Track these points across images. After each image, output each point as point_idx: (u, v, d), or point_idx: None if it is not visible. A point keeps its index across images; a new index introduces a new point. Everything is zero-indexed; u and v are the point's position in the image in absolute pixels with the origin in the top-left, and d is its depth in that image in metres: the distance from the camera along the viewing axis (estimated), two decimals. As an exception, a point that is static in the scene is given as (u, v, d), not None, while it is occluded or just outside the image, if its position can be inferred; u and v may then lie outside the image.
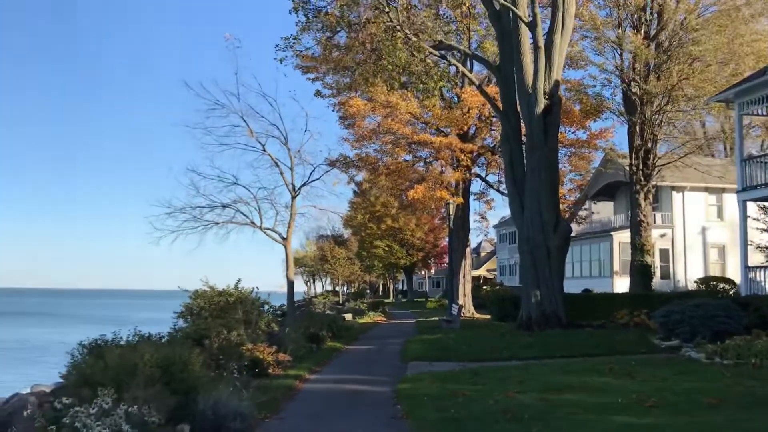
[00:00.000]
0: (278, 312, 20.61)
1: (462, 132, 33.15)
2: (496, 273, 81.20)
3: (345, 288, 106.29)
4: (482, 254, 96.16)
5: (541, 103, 20.40)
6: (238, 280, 19.25)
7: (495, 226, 76.85)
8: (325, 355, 17.23)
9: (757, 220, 26.54)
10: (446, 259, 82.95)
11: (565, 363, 13.56)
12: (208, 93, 31.70)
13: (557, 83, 21.13)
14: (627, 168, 34.58)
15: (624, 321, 21.04)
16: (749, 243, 21.97)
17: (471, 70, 34.13)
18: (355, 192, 73.53)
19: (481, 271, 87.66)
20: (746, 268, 21.41)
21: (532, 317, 20.01)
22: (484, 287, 61.84)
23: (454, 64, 26.16)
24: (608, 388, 10.11)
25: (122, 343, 11.12)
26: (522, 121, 21.66)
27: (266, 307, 20.01)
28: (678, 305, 17.40)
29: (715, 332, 16.35)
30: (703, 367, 12.14)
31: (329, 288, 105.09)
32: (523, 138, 22.52)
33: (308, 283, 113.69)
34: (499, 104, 22.91)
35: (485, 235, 75.65)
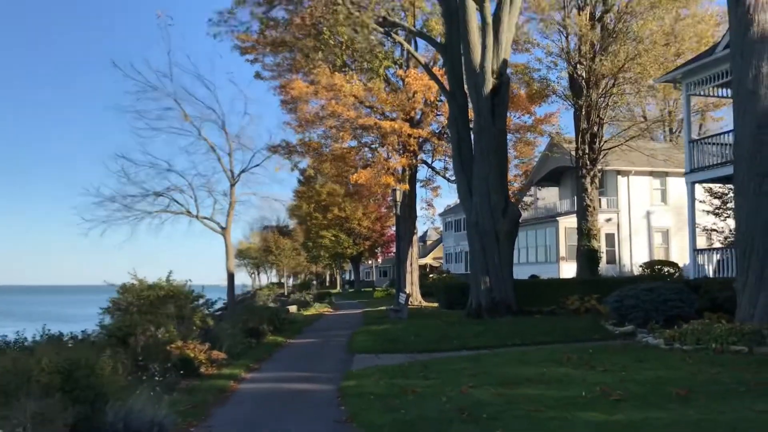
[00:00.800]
0: (215, 306, 19.32)
1: (408, 117, 32.29)
2: (442, 261, 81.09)
3: (291, 280, 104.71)
4: (428, 242, 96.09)
5: (489, 83, 19.64)
6: (170, 273, 17.95)
7: (441, 214, 76.73)
8: (266, 350, 16.11)
9: (703, 202, 26.58)
10: (393, 248, 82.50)
11: (519, 352, 12.83)
12: (139, 74, 29.98)
13: (505, 62, 20.40)
14: (573, 153, 34.42)
15: (574, 307, 20.57)
16: (696, 226, 21.82)
17: (416, 51, 33.31)
18: (300, 181, 72.12)
19: (428, 260, 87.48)
20: (695, 251, 21.22)
21: (481, 304, 19.31)
22: (431, 275, 61.53)
23: (399, 42, 25.17)
24: (568, 379, 9.36)
25: (28, 344, 9.82)
26: (470, 102, 20.88)
27: (201, 301, 18.74)
28: (630, 290, 16.94)
29: (668, 317, 15.95)
30: (662, 354, 11.57)
31: (275, 280, 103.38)
32: (471, 120, 21.76)
33: (253, 276, 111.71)
34: (447, 85, 22.08)
35: (432, 223, 75.36)
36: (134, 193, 29.60)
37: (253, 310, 20.45)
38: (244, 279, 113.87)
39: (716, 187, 26.83)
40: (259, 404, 9.49)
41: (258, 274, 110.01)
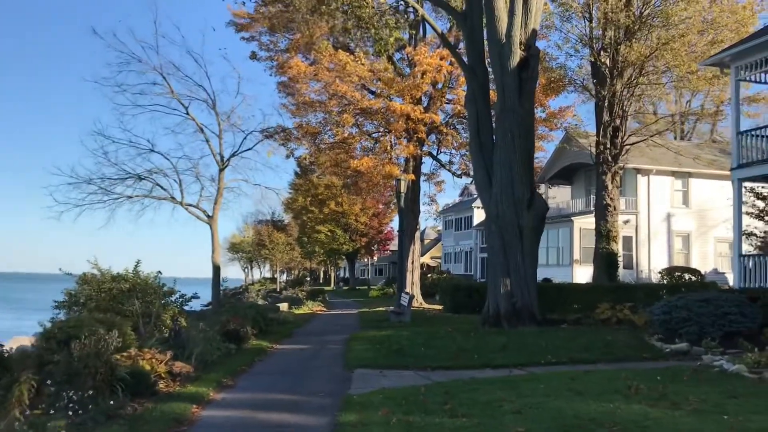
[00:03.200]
0: (194, 302, 16.63)
1: (415, 102, 29.64)
2: (440, 260, 78.51)
3: (284, 275, 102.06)
4: (426, 241, 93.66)
5: (517, 55, 17.00)
6: (138, 262, 15.32)
7: (441, 212, 74.21)
8: (246, 359, 13.43)
9: (746, 203, 24.04)
10: (389, 246, 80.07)
11: (563, 375, 10.20)
12: (122, 44, 27.34)
13: (534, 33, 17.77)
14: (590, 148, 31.89)
15: (605, 317, 17.96)
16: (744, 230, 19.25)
17: (425, 27, 30.70)
18: (296, 173, 69.58)
19: (425, 259, 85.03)
20: (740, 257, 18.60)
21: (500, 311, 16.68)
22: (428, 275, 58.96)
23: (412, 6, 22.46)
24: (654, 424, 6.75)
25: None
26: (492, 77, 18.26)
27: (175, 297, 16.09)
28: (680, 300, 14.37)
29: (726, 333, 13.43)
30: (755, 387, 8.94)
31: (268, 275, 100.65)
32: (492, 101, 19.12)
33: (246, 270, 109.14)
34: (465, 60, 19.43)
35: (435, 219, 72.91)
36: (113, 176, 26.96)
37: (236, 309, 17.77)
38: (237, 273, 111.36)
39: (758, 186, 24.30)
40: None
41: (251, 268, 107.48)
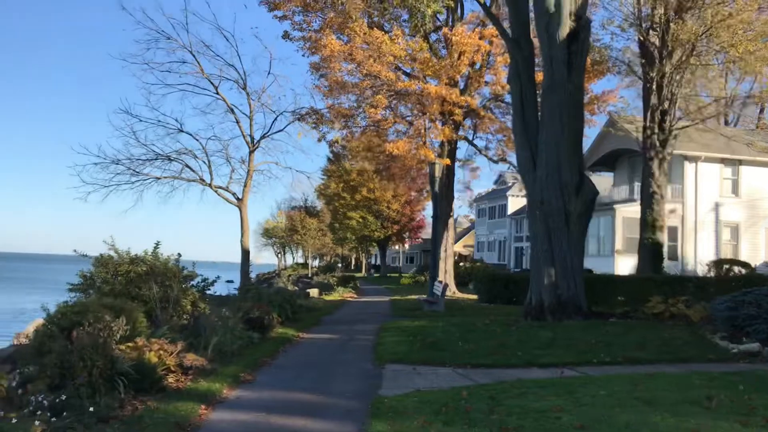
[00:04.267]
0: (216, 286, 15.67)
1: (452, 84, 28.30)
2: (472, 249, 77.09)
3: (316, 261, 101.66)
4: (458, 229, 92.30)
5: (566, 26, 15.61)
6: (157, 244, 14.37)
7: (475, 200, 72.79)
8: (269, 349, 12.44)
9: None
10: (421, 234, 78.81)
11: (620, 378, 8.97)
12: (151, 21, 26.51)
13: (585, 1, 16.36)
14: (635, 133, 30.25)
15: (657, 311, 16.56)
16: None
17: (462, 7, 29.33)
18: (329, 158, 68.72)
19: (458, 247, 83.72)
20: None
21: (544, 303, 15.41)
22: (461, 264, 57.71)
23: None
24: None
25: None
26: (538, 50, 16.91)
27: (197, 281, 15.16)
28: (747, 295, 12.98)
29: (803, 333, 12.04)
30: None
31: (301, 261, 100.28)
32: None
33: (279, 255, 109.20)
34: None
35: (469, 208, 71.41)
36: (142, 157, 26.24)
37: (261, 295, 16.80)
38: (270, 258, 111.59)
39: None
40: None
41: (284, 254, 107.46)
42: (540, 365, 10.51)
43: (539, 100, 16.81)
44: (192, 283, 14.68)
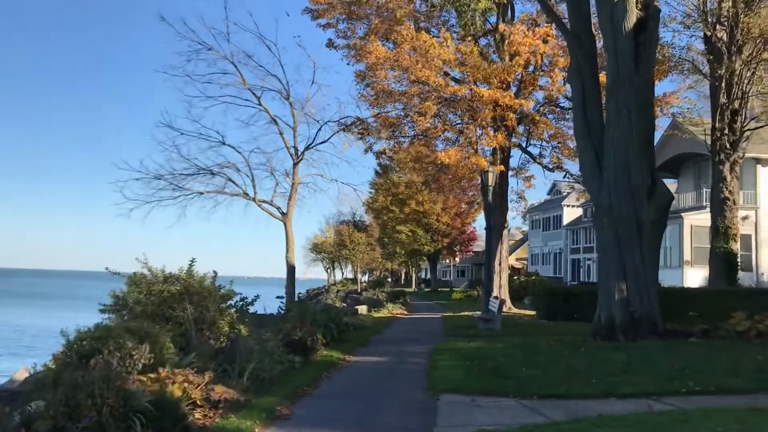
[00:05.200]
0: (251, 306, 14.64)
1: (504, 88, 26.95)
2: (525, 262, 74.95)
3: (366, 276, 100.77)
4: (510, 242, 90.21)
5: (633, 16, 14.19)
6: (192, 261, 13.45)
7: (528, 211, 70.74)
8: (311, 375, 11.31)
9: None
10: (473, 247, 77.06)
11: (720, 411, 7.50)
12: (192, 32, 26.07)
13: (654, -11, 14.93)
14: (703, 136, 28.32)
15: (742, 328, 14.86)
16: None
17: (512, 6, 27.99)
18: (376, 171, 67.85)
19: (510, 260, 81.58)
20: None
21: (615, 320, 13.90)
22: (514, 277, 55.87)
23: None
24: None
25: None
26: (601, 45, 15.50)
27: (236, 300, 14.19)
28: None
29: None
30: None
31: (350, 276, 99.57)
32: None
33: (328, 271, 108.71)
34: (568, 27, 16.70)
35: (522, 218, 69.50)
36: (185, 172, 25.67)
37: (305, 314, 15.74)
38: (320, 274, 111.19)
39: None
40: None
41: (333, 269, 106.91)
42: (619, 395, 9.09)
43: (602, 99, 15.37)
44: (231, 302, 13.71)
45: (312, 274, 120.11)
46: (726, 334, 14.83)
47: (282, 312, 17.43)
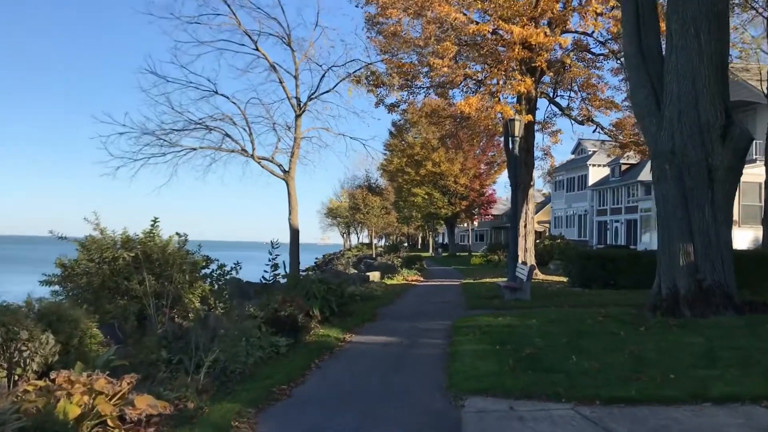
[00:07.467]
0: (227, 276, 12.09)
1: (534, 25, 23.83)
2: (547, 225, 72.03)
3: (382, 241, 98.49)
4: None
5: None
6: (154, 220, 10.91)
7: (551, 172, 67.59)
8: (296, 366, 8.78)
9: None
10: (492, 211, 74.12)
11: None
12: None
13: None
14: (754, 83, 25.26)
15: (833, 300, 12.16)
16: None
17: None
18: (390, 132, 64.91)
19: (532, 223, 78.45)
20: None
21: (679, 291, 11.20)
22: (537, 241, 53.14)
23: None
24: None
25: None
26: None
27: (213, 267, 11.67)
28: None
29: None
30: None
31: (366, 241, 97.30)
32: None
33: (344, 236, 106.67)
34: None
35: (545, 178, 66.45)
36: (175, 126, 23.05)
37: (298, 284, 13.20)
38: (336, 239, 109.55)
39: None
40: None
41: (348, 234, 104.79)
42: (715, 400, 6.47)
43: (666, 13, 12.43)
44: (203, 271, 11.19)
45: (329, 240, 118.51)
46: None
47: (265, 281, 14.84)
